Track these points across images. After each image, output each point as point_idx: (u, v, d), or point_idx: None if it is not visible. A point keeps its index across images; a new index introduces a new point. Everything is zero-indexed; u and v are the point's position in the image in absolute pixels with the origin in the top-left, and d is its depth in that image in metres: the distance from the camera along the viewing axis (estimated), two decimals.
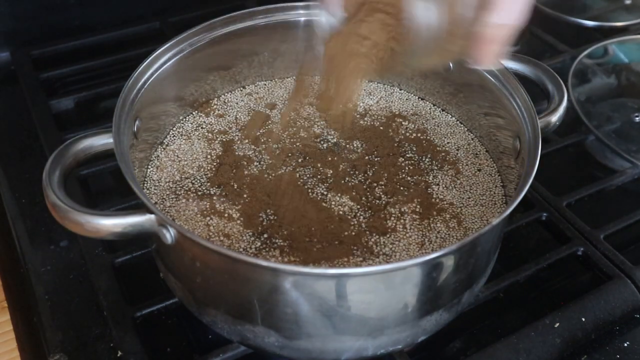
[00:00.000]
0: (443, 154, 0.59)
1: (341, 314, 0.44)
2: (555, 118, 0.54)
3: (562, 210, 0.62)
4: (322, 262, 0.48)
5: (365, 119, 0.62)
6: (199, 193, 0.54)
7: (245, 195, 0.53)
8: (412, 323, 0.46)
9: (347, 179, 0.55)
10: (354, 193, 0.54)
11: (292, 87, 0.65)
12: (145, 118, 0.54)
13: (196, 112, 0.62)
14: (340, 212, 0.53)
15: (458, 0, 0.43)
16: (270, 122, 0.61)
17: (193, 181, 0.55)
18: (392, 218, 0.52)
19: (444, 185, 0.56)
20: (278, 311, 0.44)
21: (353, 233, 0.51)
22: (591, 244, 0.59)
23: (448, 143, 0.60)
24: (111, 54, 0.79)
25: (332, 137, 0.60)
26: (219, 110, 0.62)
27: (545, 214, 0.62)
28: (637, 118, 0.74)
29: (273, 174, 0.56)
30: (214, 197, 0.53)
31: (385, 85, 0.66)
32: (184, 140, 0.59)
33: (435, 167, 0.57)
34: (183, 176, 0.55)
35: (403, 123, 0.62)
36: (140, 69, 0.53)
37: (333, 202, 0.53)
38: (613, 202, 0.68)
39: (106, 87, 0.74)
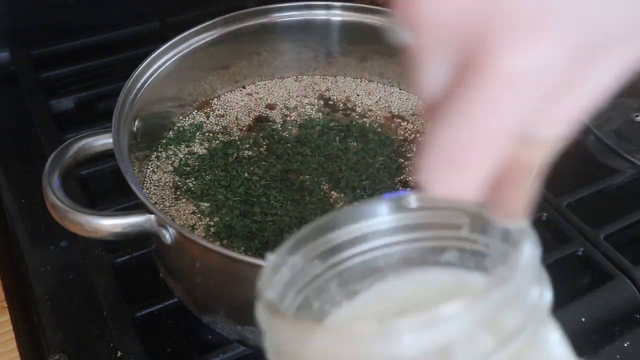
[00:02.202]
0: None
1: None
2: None
3: (562, 210, 0.62)
4: None
5: (365, 119, 0.62)
6: (199, 193, 0.54)
7: (245, 196, 0.53)
8: None
9: (348, 179, 0.55)
10: (355, 193, 0.54)
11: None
12: (145, 118, 0.54)
13: (196, 112, 0.62)
14: None
15: None
16: (271, 122, 0.61)
17: (193, 181, 0.55)
18: None
19: None
20: None
21: None
22: (591, 244, 0.59)
23: None
24: (111, 54, 0.79)
25: (333, 137, 0.60)
26: (219, 110, 0.62)
27: (545, 214, 0.62)
28: (637, 118, 0.74)
29: (274, 175, 0.56)
30: (214, 198, 0.53)
31: (385, 86, 0.66)
32: (183, 141, 0.59)
33: None
34: (183, 176, 0.55)
35: (402, 123, 0.62)
36: (140, 69, 0.53)
37: (333, 202, 0.53)
38: (613, 202, 0.68)
39: (106, 87, 0.74)
